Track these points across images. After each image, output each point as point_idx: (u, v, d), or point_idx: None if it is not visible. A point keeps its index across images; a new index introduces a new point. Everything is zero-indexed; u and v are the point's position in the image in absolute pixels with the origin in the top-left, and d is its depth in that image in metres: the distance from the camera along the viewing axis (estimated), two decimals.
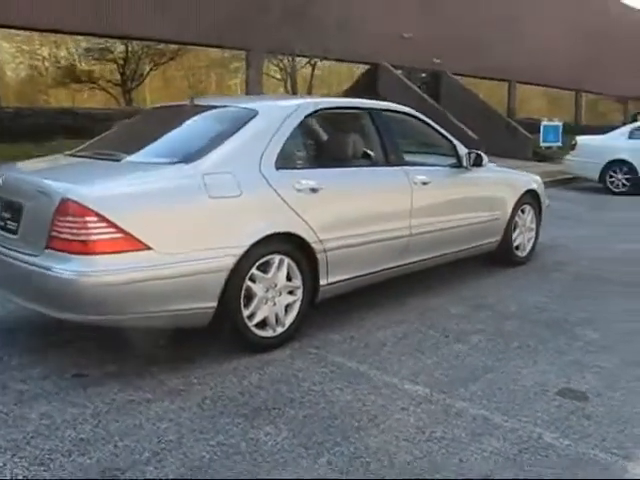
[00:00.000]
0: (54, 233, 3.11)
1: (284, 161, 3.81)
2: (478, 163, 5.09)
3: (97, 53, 13.27)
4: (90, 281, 3.04)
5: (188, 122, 4.11)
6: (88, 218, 3.03)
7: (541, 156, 17.99)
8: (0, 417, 2.91)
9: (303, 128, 4.02)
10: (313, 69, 13.67)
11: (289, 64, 12.48)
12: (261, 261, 3.60)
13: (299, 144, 4.02)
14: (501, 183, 5.58)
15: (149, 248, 3.16)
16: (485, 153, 5.15)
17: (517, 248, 5.85)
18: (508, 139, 17.46)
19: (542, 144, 19.19)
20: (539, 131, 19.60)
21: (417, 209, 4.57)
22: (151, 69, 14.22)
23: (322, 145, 4.20)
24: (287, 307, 3.79)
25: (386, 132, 4.52)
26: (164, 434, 2.82)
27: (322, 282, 3.94)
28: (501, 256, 5.71)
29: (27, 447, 2.68)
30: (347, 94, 12.58)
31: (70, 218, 3.05)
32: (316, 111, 4.15)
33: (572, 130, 21.50)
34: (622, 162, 12.04)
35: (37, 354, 3.63)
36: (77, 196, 3.07)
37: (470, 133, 16.03)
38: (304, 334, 3.96)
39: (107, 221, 3.05)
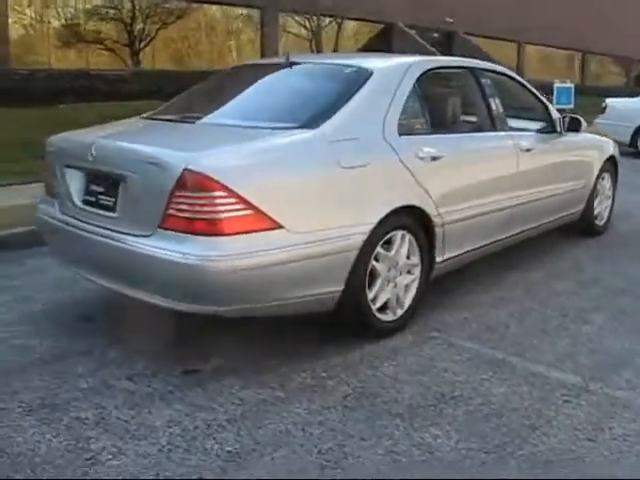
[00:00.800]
0: (171, 210, 2.71)
1: (404, 126, 3.44)
2: (574, 128, 4.67)
3: (103, 11, 12.50)
4: (220, 266, 2.65)
5: (292, 82, 3.71)
6: (216, 193, 2.63)
7: None
8: (121, 426, 2.54)
9: (417, 90, 3.60)
10: (339, 28, 13.07)
11: (314, 23, 11.89)
12: (386, 238, 3.25)
13: (415, 107, 3.60)
14: (589, 148, 5.24)
15: (280, 227, 2.78)
16: None
17: (596, 217, 5.51)
18: None
19: (555, 106, 18.78)
20: (551, 93, 19.16)
21: (521, 178, 4.23)
22: (159, 29, 13.47)
23: (436, 109, 3.78)
24: (405, 287, 3.42)
25: (491, 94, 4.14)
26: (320, 442, 2.47)
27: (438, 259, 3.60)
28: (582, 226, 5.37)
29: (169, 464, 2.30)
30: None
31: (193, 193, 2.65)
32: (427, 70, 3.74)
33: (580, 91, 21.13)
34: None
35: (130, 346, 3.24)
36: (201, 167, 2.66)
37: None
38: (416, 315, 3.63)
39: (237, 196, 2.66)
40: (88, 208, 3.11)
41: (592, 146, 5.27)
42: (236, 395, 2.81)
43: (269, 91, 3.67)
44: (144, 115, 3.85)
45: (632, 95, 12.69)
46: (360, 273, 3.11)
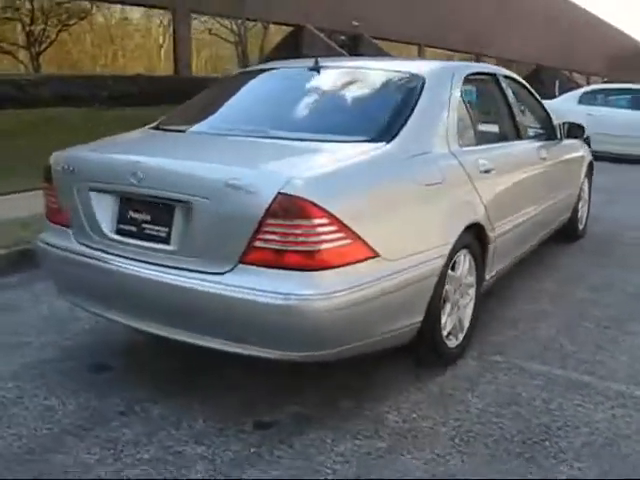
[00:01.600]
0: (258, 242, 2.35)
1: (462, 137, 3.24)
2: (575, 135, 4.68)
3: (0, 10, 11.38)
4: (324, 305, 2.32)
5: (334, 89, 3.39)
6: (316, 220, 2.29)
7: None
8: None
9: (463, 98, 3.40)
10: (265, 32, 12.69)
11: (239, 27, 11.46)
12: (454, 258, 3.01)
13: (464, 117, 3.39)
14: (577, 154, 5.27)
15: (377, 255, 2.50)
16: None
17: (579, 221, 5.56)
18: None
19: None
20: None
21: (541, 186, 4.20)
22: (60, 30, 12.48)
23: (478, 117, 3.61)
24: (464, 310, 3.26)
25: (514, 100, 4.02)
26: None
27: (487, 276, 3.41)
28: (569, 231, 5.43)
29: None
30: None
31: (289, 221, 2.30)
32: (467, 77, 3.55)
33: None
34: None
35: (173, 397, 2.84)
36: (299, 190, 2.31)
37: None
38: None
39: (338, 222, 2.34)
40: (125, 239, 2.68)
41: (578, 152, 5.30)
42: (334, 450, 2.48)
43: (314, 99, 3.33)
44: (158, 126, 3.41)
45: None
46: (437, 299, 2.89)
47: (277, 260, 2.34)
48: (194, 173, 2.54)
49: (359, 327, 2.49)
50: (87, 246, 2.80)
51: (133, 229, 2.67)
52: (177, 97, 11.27)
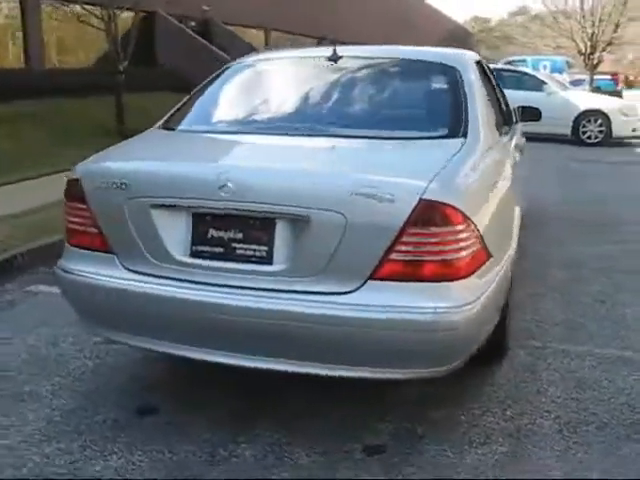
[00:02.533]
0: (394, 254, 2.19)
1: (495, 126, 3.23)
2: (532, 118, 4.77)
3: None
4: (467, 317, 2.23)
5: (374, 81, 3.26)
6: (459, 226, 2.19)
7: None
8: None
9: (483, 87, 3.37)
10: (136, 16, 11.87)
11: (106, 13, 10.65)
12: None
13: (488, 106, 3.31)
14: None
15: (490, 256, 2.43)
16: None
17: None
18: None
19: None
20: None
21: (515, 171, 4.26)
22: None
23: (492, 107, 3.57)
24: None
25: (499, 87, 4.06)
26: None
27: None
28: None
29: None
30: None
31: (431, 229, 2.16)
32: (476, 64, 3.52)
33: None
34: None
35: (253, 432, 2.59)
36: (443, 196, 2.19)
37: None
38: None
39: (474, 228, 2.26)
40: (206, 262, 2.37)
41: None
42: (462, 462, 2.41)
43: (360, 93, 3.16)
44: (175, 128, 3.09)
45: None
46: (507, 296, 2.89)
47: (412, 273, 2.20)
48: (312, 182, 2.30)
49: (480, 335, 2.44)
50: (144, 273, 2.46)
51: (217, 250, 2.36)
52: (27, 92, 10.32)
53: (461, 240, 2.19)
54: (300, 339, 2.27)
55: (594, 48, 20.37)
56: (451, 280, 2.19)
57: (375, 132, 2.75)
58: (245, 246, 2.34)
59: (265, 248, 2.31)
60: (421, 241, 2.17)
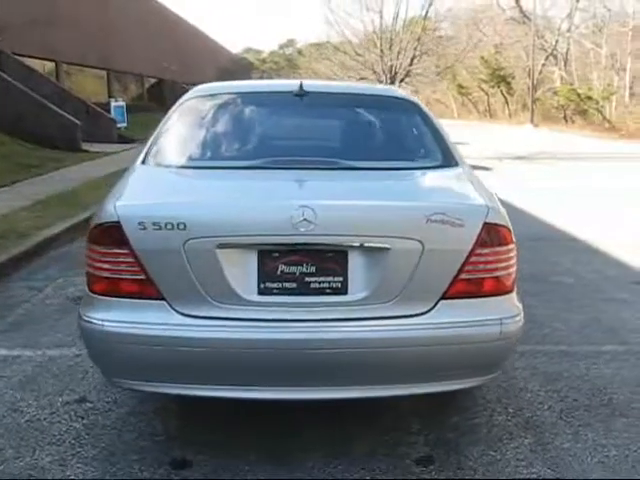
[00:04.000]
0: (463, 275, 2.43)
1: None
2: None
3: None
4: (519, 325, 2.55)
5: (351, 116, 3.46)
6: (511, 245, 2.51)
7: (124, 138, 17.96)
8: None
9: None
10: None
11: None
12: None
13: None
14: None
15: None
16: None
17: None
18: (92, 124, 16.82)
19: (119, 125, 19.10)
20: (109, 112, 19.43)
21: None
22: None
23: None
24: None
25: None
26: None
27: None
28: None
29: None
30: None
31: (494, 248, 2.45)
32: None
33: (133, 109, 22.04)
34: None
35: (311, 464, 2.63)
36: (498, 218, 2.49)
37: (72, 118, 14.98)
38: None
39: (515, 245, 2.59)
40: (276, 299, 2.40)
41: None
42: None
43: (346, 127, 3.40)
44: (184, 165, 3.03)
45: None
46: None
47: (477, 289, 2.45)
48: (392, 213, 2.46)
49: None
50: (204, 317, 2.41)
51: (288, 285, 2.40)
52: None
53: (511, 257, 2.50)
54: (378, 364, 2.40)
55: (393, 79, 22.29)
56: (505, 294, 2.49)
57: (387, 163, 2.99)
58: (319, 279, 2.40)
59: (340, 279, 2.40)
60: (485, 260, 2.43)
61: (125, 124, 20.02)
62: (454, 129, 3.61)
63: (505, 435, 2.85)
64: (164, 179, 2.91)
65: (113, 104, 19.48)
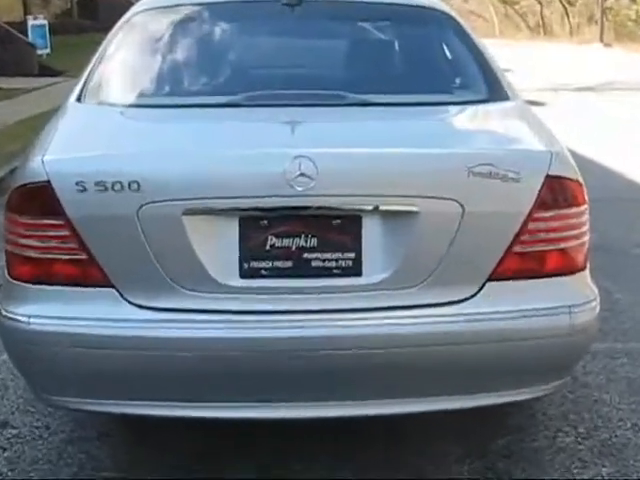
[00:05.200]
0: (518, 247, 2.43)
1: None
2: None
3: None
4: (594, 316, 2.60)
5: (360, 32, 3.54)
6: (584, 206, 2.51)
7: (48, 69, 17.72)
8: None
9: None
10: None
11: None
12: None
13: None
14: None
15: None
16: None
17: None
18: (3, 51, 16.66)
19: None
20: (25, 34, 19.22)
21: None
22: None
23: None
24: None
25: None
26: None
27: None
28: None
29: None
30: None
31: (559, 211, 2.45)
32: None
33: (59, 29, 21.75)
34: None
35: None
36: (566, 170, 2.50)
37: None
38: None
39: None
40: (266, 283, 2.42)
41: None
42: None
43: (352, 49, 3.45)
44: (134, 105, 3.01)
45: None
46: None
47: (537, 266, 2.47)
48: (419, 165, 2.45)
49: None
50: (168, 310, 2.42)
51: (281, 265, 2.41)
52: None
53: (583, 223, 2.50)
54: (404, 369, 2.42)
55: None
56: (575, 272, 2.50)
57: (412, 97, 2.98)
58: (322, 255, 2.41)
59: (351, 255, 2.40)
60: (547, 227, 2.43)
61: (48, 50, 19.93)
62: (494, 50, 3.56)
63: (575, 463, 2.87)
64: (109, 122, 2.90)
65: (31, 23, 19.31)
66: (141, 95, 3.05)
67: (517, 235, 2.41)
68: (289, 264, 2.41)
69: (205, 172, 2.41)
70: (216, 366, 2.40)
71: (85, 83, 3.06)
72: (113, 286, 2.42)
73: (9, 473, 2.81)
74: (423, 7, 3.49)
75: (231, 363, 2.40)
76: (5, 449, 2.96)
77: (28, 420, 3.14)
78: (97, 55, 3.21)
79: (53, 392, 2.56)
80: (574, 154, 2.68)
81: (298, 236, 2.40)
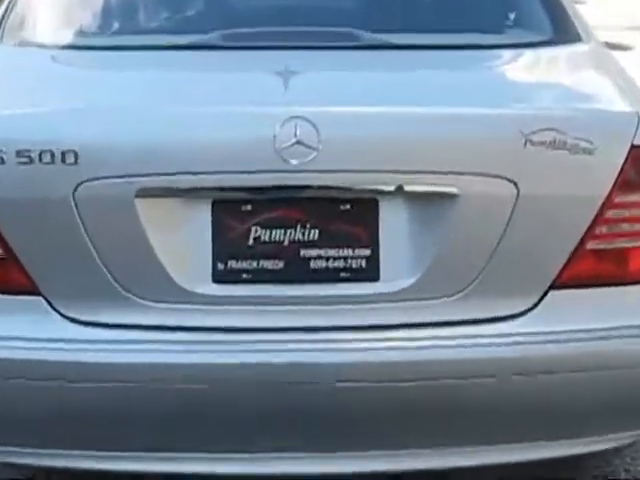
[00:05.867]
0: (591, 243, 2.24)
1: None
2: None
3: None
4: None
5: None
6: None
7: None
8: None
9: None
10: None
11: None
12: None
13: None
14: None
15: None
16: None
17: None
18: None
19: None
20: None
21: None
22: None
23: None
24: None
25: None
26: None
27: None
28: None
29: None
30: None
31: None
32: None
33: None
34: None
35: None
36: None
37: None
38: None
39: None
40: (250, 291, 2.24)
41: None
42: None
43: None
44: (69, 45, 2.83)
45: None
46: None
47: (618, 270, 2.31)
48: (451, 127, 2.23)
49: None
50: (115, 326, 2.23)
51: (270, 266, 2.21)
52: None
53: None
54: (441, 409, 2.25)
55: None
56: None
57: (447, 38, 2.83)
58: (326, 253, 2.23)
59: (365, 252, 2.21)
60: (632, 216, 2.26)
61: None
62: None
63: None
64: (35, 70, 2.73)
65: None
66: (80, 33, 2.91)
67: (591, 227, 2.23)
68: (280, 265, 2.23)
69: (166, 138, 2.22)
70: (180, 404, 2.22)
71: (2, 17, 2.91)
72: (40, 294, 2.25)
73: None
74: None
75: (201, 400, 2.22)
76: None
77: None
78: None
79: None
80: None
81: (293, 227, 2.22)
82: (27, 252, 2.22)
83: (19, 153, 2.14)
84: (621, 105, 2.41)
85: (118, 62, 2.74)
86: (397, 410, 2.22)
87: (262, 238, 2.21)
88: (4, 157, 2.15)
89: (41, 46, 2.80)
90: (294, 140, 2.12)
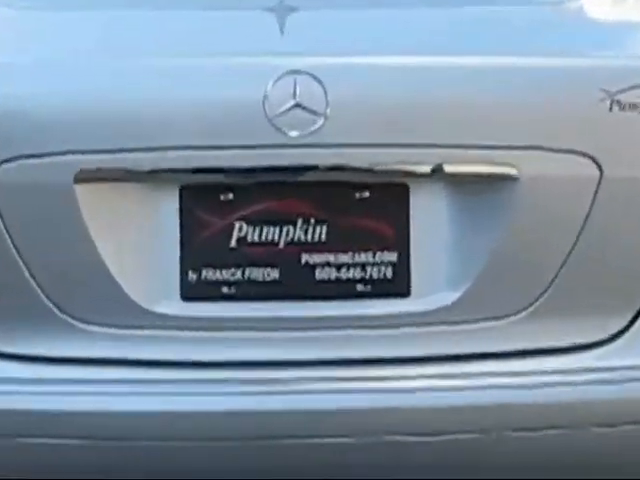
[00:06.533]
0: None
1: None
2: None
3: None
4: None
5: None
6: None
7: None
8: None
9: None
10: None
11: None
12: None
13: None
14: None
15: None
16: None
17: None
18: None
19: None
20: None
21: None
22: None
23: None
24: None
25: None
26: None
27: None
28: None
29: None
30: None
31: None
32: None
33: None
34: None
35: None
36: None
37: None
38: None
39: None
40: (232, 311, 1.93)
41: None
42: None
43: None
44: None
45: None
46: None
47: None
48: (505, 85, 1.94)
49: None
50: (43, 359, 1.96)
51: (261, 276, 1.90)
52: None
53: None
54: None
55: None
56: None
57: None
58: (337, 259, 1.92)
59: (391, 258, 1.89)
60: None
61: None
62: None
63: None
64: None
65: None
66: None
67: None
68: (274, 275, 1.91)
69: (116, 102, 1.88)
70: (137, 463, 1.92)
71: None
72: None
73: None
74: None
75: (167, 459, 1.92)
76: None
77: None
78: None
79: None
80: None
81: (291, 223, 1.91)
82: None
83: None
84: None
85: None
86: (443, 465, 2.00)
87: (249, 238, 1.89)
88: None
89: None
90: (292, 103, 1.82)
